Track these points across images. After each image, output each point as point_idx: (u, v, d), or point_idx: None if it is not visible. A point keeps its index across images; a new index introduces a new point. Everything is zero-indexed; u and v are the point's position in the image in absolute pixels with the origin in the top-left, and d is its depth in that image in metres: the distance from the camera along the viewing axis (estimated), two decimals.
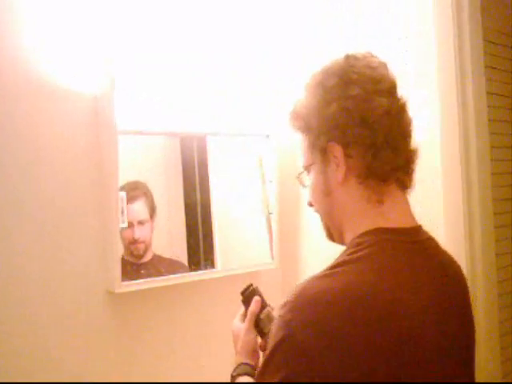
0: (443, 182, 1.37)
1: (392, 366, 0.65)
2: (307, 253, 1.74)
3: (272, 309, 1.03)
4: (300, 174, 0.87)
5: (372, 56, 0.81)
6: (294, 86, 0.83)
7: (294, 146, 0.86)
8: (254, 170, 1.73)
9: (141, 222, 1.45)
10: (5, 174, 1.26)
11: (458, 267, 0.84)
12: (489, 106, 1.40)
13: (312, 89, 0.80)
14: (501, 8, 1.51)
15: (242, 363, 0.94)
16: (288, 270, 1.76)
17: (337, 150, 0.76)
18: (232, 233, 1.68)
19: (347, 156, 0.76)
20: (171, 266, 1.52)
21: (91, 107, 1.38)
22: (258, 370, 0.70)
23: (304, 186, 0.87)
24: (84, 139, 1.38)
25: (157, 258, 1.50)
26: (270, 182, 1.71)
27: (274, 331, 0.68)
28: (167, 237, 1.58)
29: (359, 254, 0.71)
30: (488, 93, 1.40)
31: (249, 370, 0.93)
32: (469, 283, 1.31)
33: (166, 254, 1.54)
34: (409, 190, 0.80)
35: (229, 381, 0.95)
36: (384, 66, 0.80)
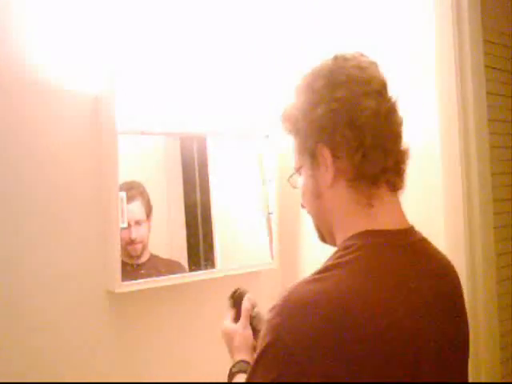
0: (443, 182, 1.37)
1: (380, 368, 0.65)
2: (307, 253, 1.74)
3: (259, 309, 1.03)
4: (291, 176, 0.87)
5: (362, 56, 0.80)
6: (294, 87, 0.83)
7: (290, 155, 0.86)
8: (254, 170, 1.73)
9: (138, 222, 1.45)
10: (5, 174, 1.26)
11: (451, 267, 0.83)
12: (489, 106, 1.40)
13: (301, 91, 0.80)
14: (501, 8, 1.51)
15: (241, 360, 0.93)
16: (288, 270, 1.76)
17: (325, 153, 0.76)
18: (232, 233, 1.68)
19: (336, 158, 0.75)
20: (169, 267, 1.52)
21: (91, 107, 1.38)
22: (248, 372, 0.70)
23: (295, 187, 0.86)
24: (84, 139, 1.38)
25: (154, 259, 1.49)
26: (270, 181, 1.71)
27: (263, 335, 0.68)
28: (167, 237, 1.58)
29: (348, 257, 0.70)
30: (488, 93, 1.40)
31: (247, 368, 0.93)
32: (469, 283, 1.33)
33: (165, 255, 1.54)
34: (400, 191, 0.79)
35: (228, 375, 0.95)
36: (374, 65, 0.80)
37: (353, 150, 0.74)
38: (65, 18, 1.35)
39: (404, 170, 0.79)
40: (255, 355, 0.69)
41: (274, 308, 0.68)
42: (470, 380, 1.31)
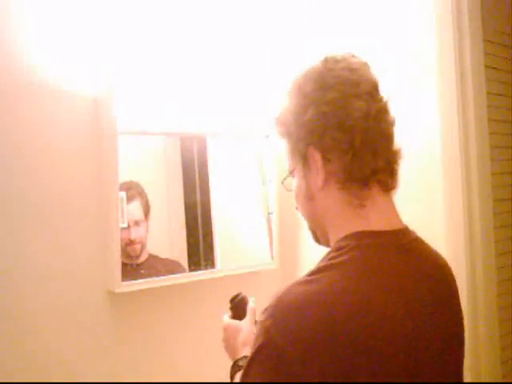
0: (443, 181, 1.37)
1: (374, 369, 0.65)
2: (307, 253, 1.74)
3: None
4: (285, 178, 0.88)
5: (353, 57, 0.80)
6: (285, 90, 0.83)
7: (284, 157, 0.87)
8: (254, 170, 1.73)
9: (137, 223, 1.45)
10: (5, 174, 1.26)
11: (446, 267, 0.83)
12: (489, 106, 1.40)
13: (291, 94, 0.80)
14: (501, 8, 1.51)
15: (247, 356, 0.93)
16: (288, 270, 1.76)
17: (316, 156, 0.76)
18: (232, 233, 1.68)
19: (326, 161, 0.75)
20: (168, 266, 1.52)
21: (91, 108, 1.38)
22: (241, 373, 0.70)
23: (289, 190, 0.87)
24: (84, 140, 1.38)
25: (152, 258, 1.49)
26: (270, 182, 1.71)
27: (255, 336, 0.68)
28: (167, 237, 1.58)
29: (341, 258, 0.70)
30: (488, 93, 1.40)
31: None
32: (469, 283, 1.33)
33: (165, 255, 1.54)
34: (393, 190, 0.79)
35: (228, 380, 0.94)
36: (365, 66, 0.80)
37: (343, 153, 0.74)
38: (63, 18, 1.35)
39: (396, 170, 0.79)
40: (249, 356, 0.68)
41: (266, 310, 0.68)
42: (470, 380, 1.31)
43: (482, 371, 1.33)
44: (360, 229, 0.74)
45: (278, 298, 0.68)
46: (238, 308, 1.06)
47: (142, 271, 1.46)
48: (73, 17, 1.36)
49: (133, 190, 1.44)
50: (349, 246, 0.72)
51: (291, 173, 0.84)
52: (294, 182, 0.84)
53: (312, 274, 0.70)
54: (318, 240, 0.85)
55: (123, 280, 1.37)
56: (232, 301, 1.08)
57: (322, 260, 0.73)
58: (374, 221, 0.75)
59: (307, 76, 0.79)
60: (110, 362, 1.40)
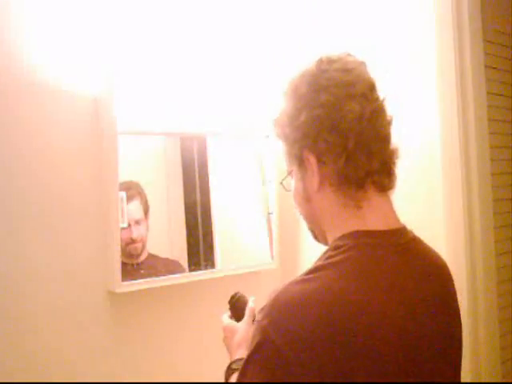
0: (443, 181, 1.37)
1: (371, 368, 0.64)
2: (307, 253, 1.74)
3: None
4: (284, 178, 0.88)
5: (349, 56, 0.80)
6: (282, 91, 0.83)
7: (281, 158, 0.87)
8: (254, 171, 1.73)
9: (137, 222, 1.45)
10: (5, 174, 1.26)
11: (444, 266, 0.83)
12: (489, 106, 1.40)
13: (287, 95, 0.80)
14: (501, 8, 1.51)
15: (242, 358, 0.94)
16: (288, 270, 1.76)
17: (310, 158, 0.76)
18: (232, 233, 1.68)
19: (321, 164, 0.76)
20: (168, 266, 1.52)
21: (91, 108, 1.38)
22: (238, 373, 0.70)
23: (288, 190, 0.87)
24: (84, 140, 1.38)
25: (152, 258, 1.50)
26: (270, 182, 1.71)
27: (252, 336, 0.68)
28: (167, 237, 1.58)
29: (337, 257, 0.70)
30: (488, 93, 1.40)
31: None
32: (469, 283, 1.33)
33: (165, 255, 1.54)
34: (391, 190, 0.79)
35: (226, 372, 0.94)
36: (362, 66, 0.79)
37: (336, 156, 0.74)
38: (63, 18, 1.35)
39: (393, 170, 0.79)
40: (245, 356, 0.68)
41: (263, 309, 0.68)
42: (470, 380, 1.31)
43: (481, 371, 1.33)
44: (357, 228, 0.74)
45: (274, 297, 0.68)
46: (236, 308, 1.06)
47: (142, 271, 1.46)
48: (73, 17, 1.36)
49: (133, 190, 1.45)
50: (346, 245, 0.72)
51: (289, 174, 0.84)
52: (292, 183, 0.84)
53: (309, 272, 0.70)
54: (316, 238, 0.86)
55: (123, 280, 1.37)
56: (230, 301, 1.08)
57: (319, 259, 0.73)
58: (370, 221, 0.75)
59: (301, 78, 0.79)
60: (110, 362, 1.40)
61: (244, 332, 0.98)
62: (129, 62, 1.42)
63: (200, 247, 1.60)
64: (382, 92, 0.79)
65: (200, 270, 1.56)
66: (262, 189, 1.73)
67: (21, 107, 1.29)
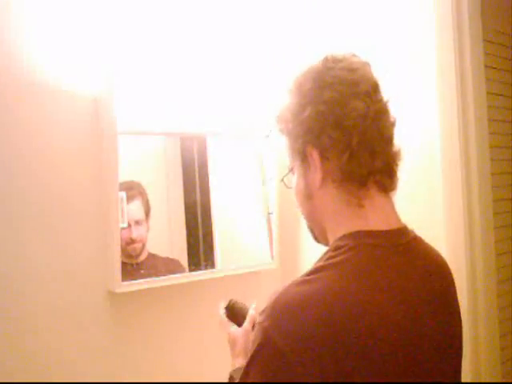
0: (443, 182, 1.37)
1: (372, 369, 0.65)
2: (307, 253, 1.74)
3: None
4: (285, 175, 0.88)
5: (354, 56, 0.80)
6: (285, 88, 0.83)
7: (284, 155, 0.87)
8: (254, 170, 1.73)
9: (138, 222, 1.45)
10: (5, 174, 1.26)
11: (445, 266, 0.83)
12: (489, 106, 1.40)
13: (291, 92, 0.80)
14: (501, 8, 1.51)
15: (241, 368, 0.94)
16: (288, 270, 1.76)
17: (314, 154, 0.76)
18: (232, 233, 1.68)
19: (324, 160, 0.76)
20: (168, 265, 1.52)
21: (91, 108, 1.38)
22: (240, 376, 0.69)
23: (289, 188, 0.87)
24: (84, 140, 1.38)
25: (152, 257, 1.50)
26: (270, 181, 1.71)
27: (253, 338, 0.68)
28: (167, 237, 1.58)
29: (338, 258, 0.70)
30: (488, 93, 1.40)
31: None
32: (469, 283, 1.33)
33: (165, 254, 1.54)
34: (392, 192, 0.79)
35: (228, 380, 0.95)
36: (366, 66, 0.80)
37: (340, 152, 0.74)
38: (63, 18, 1.35)
39: (395, 172, 0.79)
40: (247, 358, 0.68)
41: (264, 311, 0.68)
42: (470, 380, 1.31)
43: (481, 371, 1.33)
44: (358, 228, 0.74)
45: (275, 298, 0.68)
46: (232, 315, 1.06)
47: (142, 271, 1.46)
48: (73, 17, 1.36)
49: (134, 190, 1.45)
50: (347, 245, 0.72)
51: (291, 170, 0.84)
52: (294, 180, 0.84)
53: (310, 273, 0.70)
54: (316, 239, 0.86)
55: (123, 280, 1.37)
56: (227, 308, 1.08)
57: (320, 260, 0.73)
58: (372, 221, 0.75)
59: (307, 74, 0.79)
60: (110, 362, 1.40)
61: (243, 341, 0.98)
62: (129, 62, 1.42)
63: (200, 247, 1.60)
64: (384, 93, 0.79)
65: (200, 269, 1.56)
66: (262, 189, 1.73)
67: (21, 107, 1.29)
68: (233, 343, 1.01)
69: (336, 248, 0.73)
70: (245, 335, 1.00)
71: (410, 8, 1.44)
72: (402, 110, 0.81)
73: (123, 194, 1.39)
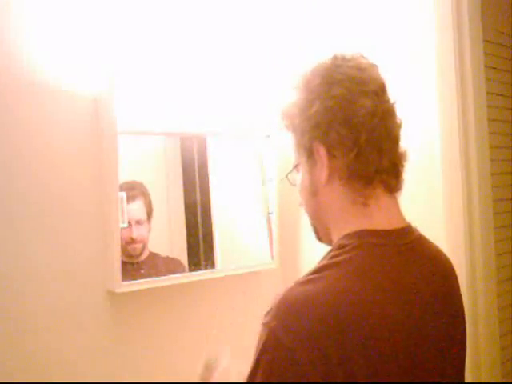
0: (443, 182, 1.37)
1: (376, 369, 0.65)
2: (307, 253, 1.74)
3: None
4: (289, 172, 0.87)
5: (362, 57, 0.80)
6: (292, 84, 0.83)
7: (289, 151, 0.86)
8: (254, 170, 1.73)
9: (139, 222, 1.45)
10: (5, 174, 1.26)
11: (449, 265, 0.83)
12: (489, 106, 1.40)
13: (298, 88, 0.80)
14: (501, 8, 1.51)
15: None
16: (288, 270, 1.76)
17: (320, 150, 0.76)
18: (232, 233, 1.68)
19: (331, 156, 0.75)
20: (168, 265, 1.52)
21: (91, 108, 1.38)
22: (247, 377, 0.69)
23: (293, 185, 0.87)
24: (84, 140, 1.38)
25: (153, 257, 1.50)
26: (270, 181, 1.71)
27: (259, 339, 0.68)
28: (167, 237, 1.58)
29: (341, 257, 0.70)
30: (488, 93, 1.40)
31: None
32: (469, 283, 1.33)
33: (164, 254, 1.54)
34: (397, 192, 0.79)
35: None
36: (374, 68, 0.80)
37: (347, 149, 0.74)
38: (64, 18, 1.35)
39: (401, 172, 0.79)
40: (252, 361, 0.68)
41: (269, 312, 0.68)
42: (470, 380, 1.31)
43: (481, 371, 1.33)
44: (362, 227, 0.74)
45: (280, 298, 0.68)
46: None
47: (142, 271, 1.46)
48: (73, 17, 1.36)
49: (136, 190, 1.45)
50: (351, 244, 0.72)
51: (296, 167, 0.84)
52: (299, 177, 0.83)
53: (314, 272, 0.70)
54: (319, 237, 0.85)
55: (123, 280, 1.37)
56: (204, 367, 1.06)
57: (324, 258, 0.73)
58: (376, 220, 0.75)
59: (315, 71, 0.79)
60: (110, 362, 1.40)
61: None
62: (129, 62, 1.42)
63: (200, 247, 1.60)
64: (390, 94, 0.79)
65: (200, 269, 1.56)
66: (262, 189, 1.73)
67: (21, 107, 1.29)
68: None
69: (340, 247, 0.72)
70: None
71: (410, 8, 1.44)
72: (402, 109, 0.81)
73: (123, 194, 1.39)
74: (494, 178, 1.41)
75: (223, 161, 1.65)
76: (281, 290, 0.70)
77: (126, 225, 1.40)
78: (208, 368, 1.06)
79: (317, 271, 0.70)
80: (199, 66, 1.56)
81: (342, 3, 1.61)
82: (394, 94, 0.80)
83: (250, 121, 1.65)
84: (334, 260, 0.70)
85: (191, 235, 1.58)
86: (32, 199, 1.29)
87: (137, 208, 1.45)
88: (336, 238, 0.77)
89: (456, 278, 0.83)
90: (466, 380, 0.84)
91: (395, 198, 0.79)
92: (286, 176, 0.88)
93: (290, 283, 0.70)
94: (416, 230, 0.80)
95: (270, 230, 1.73)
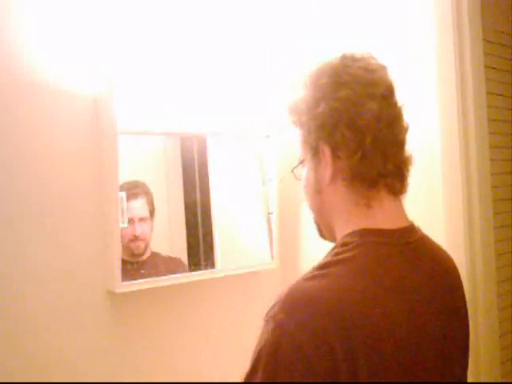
0: (443, 182, 1.37)
1: (378, 367, 0.65)
2: (307, 253, 1.74)
3: None
4: (295, 167, 0.87)
5: (372, 58, 0.80)
6: (300, 79, 0.83)
7: (295, 147, 0.86)
8: (254, 170, 1.73)
9: (142, 219, 1.45)
10: (5, 174, 1.26)
11: (452, 265, 0.83)
12: (489, 106, 1.40)
13: (305, 85, 0.80)
14: (501, 8, 1.51)
15: None
16: (288, 270, 1.76)
17: (325, 150, 0.76)
18: (232, 233, 1.68)
19: (335, 157, 0.76)
20: (170, 264, 1.52)
21: (91, 108, 1.38)
22: (247, 374, 0.68)
23: (298, 179, 0.87)
24: (84, 140, 1.38)
25: (154, 255, 1.50)
26: (270, 181, 1.71)
27: (261, 333, 0.67)
28: (167, 237, 1.58)
29: (346, 254, 0.71)
30: (488, 93, 1.40)
31: None
32: (469, 283, 1.33)
33: (165, 254, 1.54)
34: (402, 195, 0.79)
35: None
36: (383, 69, 0.79)
37: (352, 152, 0.74)
38: (64, 18, 1.35)
39: (406, 176, 0.79)
40: (253, 354, 0.67)
41: (273, 307, 0.68)
42: (470, 380, 1.31)
43: (481, 371, 1.33)
44: (366, 226, 0.74)
45: (287, 293, 0.68)
46: None
47: (142, 271, 1.46)
48: (73, 17, 1.36)
49: (139, 188, 1.45)
50: (354, 242, 0.72)
51: (301, 162, 0.84)
52: (304, 173, 0.83)
53: (318, 269, 0.70)
54: (322, 235, 0.86)
55: (123, 280, 1.37)
56: None
57: (328, 255, 0.73)
58: (380, 219, 0.75)
59: (323, 69, 0.78)
60: (110, 362, 1.40)
61: None
62: (129, 62, 1.42)
63: (200, 247, 1.60)
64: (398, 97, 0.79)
65: (200, 269, 1.56)
66: (262, 189, 1.73)
67: (21, 107, 1.29)
68: None
69: (343, 244, 0.73)
70: None
71: (410, 8, 1.44)
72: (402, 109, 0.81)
73: (123, 194, 1.39)
74: (493, 177, 1.41)
75: (223, 161, 1.65)
76: (282, 288, 0.70)
77: (126, 225, 1.40)
78: None
79: (321, 267, 0.70)
80: (199, 66, 1.56)
81: (342, 3, 1.61)
82: (400, 100, 0.80)
83: (250, 121, 1.65)
84: (337, 257, 0.71)
85: (191, 235, 1.58)
86: (32, 199, 1.29)
87: (140, 205, 1.45)
88: (339, 235, 0.77)
89: (459, 277, 0.83)
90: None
91: (400, 201, 0.79)
92: (292, 170, 0.88)
93: (292, 282, 0.70)
94: (419, 229, 0.80)
95: (270, 230, 1.73)
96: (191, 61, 1.55)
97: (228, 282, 1.60)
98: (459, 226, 1.34)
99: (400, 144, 0.78)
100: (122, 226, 1.39)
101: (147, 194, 1.47)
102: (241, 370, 0.71)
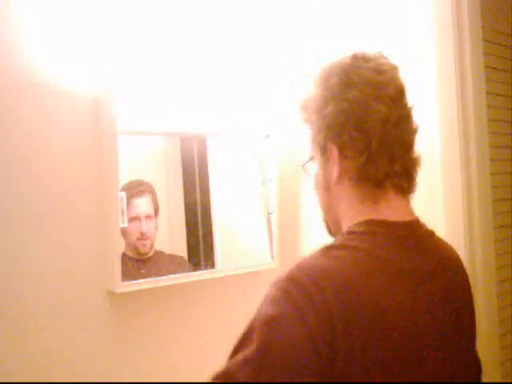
0: (443, 182, 1.37)
1: (379, 356, 0.65)
2: (307, 253, 1.74)
3: None
4: (305, 163, 0.88)
5: (383, 57, 0.80)
6: (312, 77, 0.83)
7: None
8: (254, 170, 1.73)
9: (148, 217, 1.46)
10: (5, 174, 1.26)
11: (458, 260, 0.84)
12: (488, 106, 1.40)
13: (316, 84, 0.80)
14: (501, 8, 1.51)
15: None
16: None
17: (333, 150, 0.77)
18: (232, 233, 1.68)
19: (343, 157, 0.76)
20: (173, 262, 1.52)
21: (91, 108, 1.38)
22: (239, 340, 0.70)
23: (308, 175, 0.88)
24: (84, 140, 1.38)
25: (158, 254, 1.50)
26: (270, 181, 1.71)
27: (266, 294, 0.69)
28: (167, 237, 1.58)
29: (352, 242, 0.72)
30: (488, 93, 1.40)
31: None
32: None
33: (168, 252, 1.55)
34: (410, 195, 0.80)
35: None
36: (394, 70, 0.80)
37: (358, 152, 0.75)
38: (64, 18, 1.35)
39: (414, 177, 0.80)
40: (256, 312, 0.69)
41: (279, 277, 0.69)
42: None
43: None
44: (372, 217, 0.75)
45: (294, 266, 0.69)
46: None
47: (142, 271, 1.46)
48: (73, 17, 1.36)
49: (144, 187, 1.46)
50: (361, 231, 0.73)
51: (311, 159, 0.85)
52: (314, 170, 0.84)
53: (327, 248, 0.71)
54: (331, 233, 0.87)
55: (123, 280, 1.37)
56: None
57: (336, 239, 0.75)
58: (386, 212, 0.76)
59: (334, 68, 0.79)
60: (110, 362, 1.40)
61: None
62: (129, 62, 1.42)
63: (200, 247, 1.60)
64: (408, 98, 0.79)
65: (200, 269, 1.56)
66: (262, 189, 1.73)
67: (21, 107, 1.29)
68: None
69: (350, 233, 0.74)
70: None
71: (410, 8, 1.44)
72: None
73: (123, 194, 1.40)
74: (493, 177, 1.41)
75: (223, 161, 1.65)
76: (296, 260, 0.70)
77: (125, 225, 1.40)
78: None
79: (330, 248, 0.71)
80: (199, 66, 1.56)
81: (342, 3, 1.61)
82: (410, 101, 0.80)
83: (250, 121, 1.65)
84: (346, 243, 0.72)
85: (191, 235, 1.58)
86: (32, 199, 1.29)
87: (145, 203, 1.45)
88: (346, 226, 0.78)
89: (465, 272, 0.84)
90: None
91: (407, 200, 0.80)
92: (303, 166, 0.89)
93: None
94: (424, 224, 0.81)
95: (270, 229, 1.73)
96: (191, 61, 1.55)
97: (228, 282, 1.60)
98: (459, 226, 1.35)
99: (408, 145, 0.79)
100: (122, 226, 1.39)
101: (152, 192, 1.48)
102: None
